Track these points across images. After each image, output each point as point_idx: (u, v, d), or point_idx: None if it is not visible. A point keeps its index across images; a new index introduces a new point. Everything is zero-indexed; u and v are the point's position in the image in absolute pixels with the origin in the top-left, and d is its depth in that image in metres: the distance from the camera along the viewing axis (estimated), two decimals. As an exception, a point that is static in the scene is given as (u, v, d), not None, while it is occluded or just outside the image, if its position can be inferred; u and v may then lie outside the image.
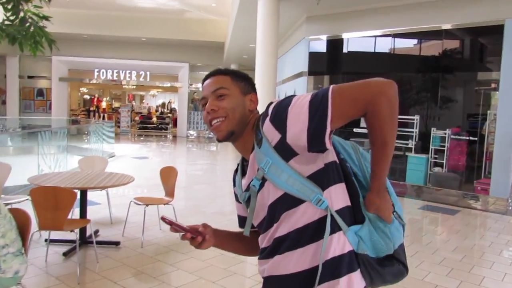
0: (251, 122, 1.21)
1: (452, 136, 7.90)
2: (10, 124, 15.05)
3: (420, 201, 7.38)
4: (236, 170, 1.34)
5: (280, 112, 1.07)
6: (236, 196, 1.35)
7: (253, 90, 1.26)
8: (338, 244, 1.07)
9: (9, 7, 4.00)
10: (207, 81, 1.22)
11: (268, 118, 1.09)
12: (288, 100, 1.07)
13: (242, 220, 1.35)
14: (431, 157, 8.06)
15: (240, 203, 1.32)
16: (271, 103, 1.13)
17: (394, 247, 1.13)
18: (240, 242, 1.36)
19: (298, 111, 1.03)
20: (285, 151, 1.07)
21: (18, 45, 3.87)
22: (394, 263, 1.15)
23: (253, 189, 1.16)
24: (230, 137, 1.19)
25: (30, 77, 17.90)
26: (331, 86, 1.02)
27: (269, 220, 1.15)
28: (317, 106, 1.00)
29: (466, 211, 6.71)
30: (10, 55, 16.48)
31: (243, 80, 1.23)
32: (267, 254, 1.18)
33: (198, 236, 1.20)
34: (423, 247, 4.64)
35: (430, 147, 8.06)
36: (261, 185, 1.14)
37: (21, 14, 4.11)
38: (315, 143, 1.03)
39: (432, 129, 8.06)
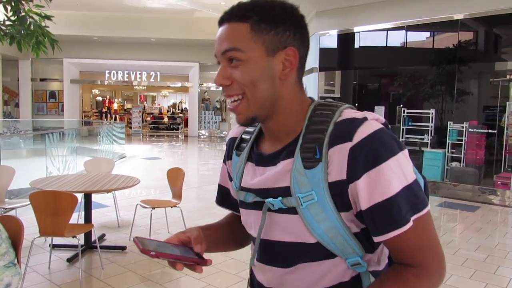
0: (288, 100, 0.82)
1: (469, 130, 7.61)
2: (22, 126, 15.16)
3: (438, 198, 7.13)
4: (233, 142, 0.97)
5: (374, 150, 0.72)
6: (225, 167, 1.02)
7: (294, 40, 0.80)
8: None
9: (10, 7, 3.92)
10: (220, 29, 0.81)
11: (350, 144, 0.74)
12: (393, 146, 0.74)
13: (225, 195, 1.04)
14: (448, 151, 7.79)
15: (231, 180, 0.99)
16: (363, 120, 0.76)
17: None
18: (229, 236, 1.03)
19: (393, 177, 0.72)
20: (341, 197, 0.76)
21: (16, 44, 3.77)
22: None
23: (267, 206, 0.83)
24: (252, 123, 0.84)
25: (42, 79, 18.02)
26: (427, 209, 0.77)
27: (274, 258, 0.86)
28: (405, 202, 0.73)
29: (486, 207, 6.44)
30: (23, 58, 16.59)
31: (273, 26, 0.78)
32: None
33: (196, 263, 0.82)
34: (443, 247, 4.39)
35: (447, 141, 7.79)
36: (282, 210, 0.81)
37: (22, 13, 4.02)
38: (366, 223, 0.77)
39: (449, 122, 7.79)
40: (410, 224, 0.73)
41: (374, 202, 0.72)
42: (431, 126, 7.99)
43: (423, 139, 8.11)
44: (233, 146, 0.96)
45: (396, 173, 0.72)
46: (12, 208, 4.00)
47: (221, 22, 0.81)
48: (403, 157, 0.74)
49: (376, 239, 0.76)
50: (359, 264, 0.80)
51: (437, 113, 8.28)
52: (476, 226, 5.39)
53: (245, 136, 0.95)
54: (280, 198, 0.80)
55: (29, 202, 3.14)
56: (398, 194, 0.72)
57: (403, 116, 8.31)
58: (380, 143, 0.73)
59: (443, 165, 7.76)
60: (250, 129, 0.95)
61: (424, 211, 0.75)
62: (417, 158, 8.14)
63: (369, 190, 0.72)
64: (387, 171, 0.72)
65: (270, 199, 0.82)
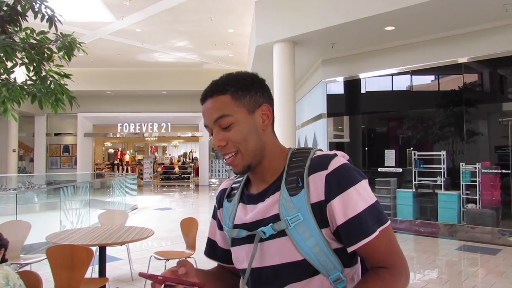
0: (270, 146, 1.01)
1: (483, 170, 7.54)
2: (37, 181, 15.35)
3: (456, 241, 6.95)
4: (224, 192, 1.13)
5: (344, 177, 0.93)
6: (215, 216, 1.15)
7: (264, 98, 1.01)
8: None
9: (32, 67, 4.13)
10: (205, 104, 1.01)
11: (326, 172, 0.93)
12: (357, 175, 0.95)
13: (213, 247, 1.16)
14: (462, 193, 7.67)
15: (221, 229, 1.12)
16: (333, 155, 0.97)
17: None
18: (218, 281, 1.12)
19: (359, 198, 0.92)
20: (321, 215, 0.93)
21: (38, 102, 3.94)
22: None
23: (259, 235, 0.96)
24: (248, 170, 1.00)
25: (56, 134, 18.49)
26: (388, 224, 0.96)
27: (266, 283, 0.98)
28: (370, 217, 0.92)
29: (508, 250, 6.24)
30: (38, 114, 17.15)
31: (247, 91, 0.98)
32: None
33: (194, 285, 0.89)
34: (466, 294, 4.25)
35: (461, 182, 7.70)
36: (272, 236, 0.95)
37: (43, 73, 4.23)
38: (340, 237, 0.94)
39: (461, 164, 7.74)
40: (377, 233, 0.91)
41: (347, 217, 0.90)
42: (443, 168, 7.94)
43: (436, 181, 8.03)
44: (224, 196, 1.11)
45: (361, 195, 0.92)
46: (27, 264, 3.99)
47: (205, 98, 1.01)
48: (365, 184, 0.95)
49: (351, 248, 0.92)
50: (339, 279, 0.94)
51: (448, 154, 8.25)
52: (499, 270, 5.20)
53: (235, 185, 1.10)
54: (270, 224, 0.95)
55: (44, 257, 3.14)
56: (364, 211, 0.91)
57: (414, 158, 8.29)
58: (348, 173, 0.94)
59: (458, 207, 7.61)
60: (239, 179, 1.11)
61: (387, 224, 0.94)
62: (431, 201, 8.02)
63: (343, 208, 0.91)
64: (355, 194, 0.92)
65: (262, 228, 0.96)
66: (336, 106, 9.98)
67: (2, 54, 3.84)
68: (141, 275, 0.89)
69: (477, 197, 7.52)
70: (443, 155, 7.98)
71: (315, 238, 0.92)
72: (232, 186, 1.11)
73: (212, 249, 1.16)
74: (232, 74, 1.01)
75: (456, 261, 5.89)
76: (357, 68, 9.26)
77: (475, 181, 7.54)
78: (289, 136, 7.97)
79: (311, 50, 8.89)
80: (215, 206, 1.16)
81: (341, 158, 0.97)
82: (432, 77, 9.13)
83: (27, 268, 4.04)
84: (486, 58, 7.44)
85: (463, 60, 7.73)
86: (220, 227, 1.13)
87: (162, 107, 18.25)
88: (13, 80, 4.06)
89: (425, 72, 8.72)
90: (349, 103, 10.06)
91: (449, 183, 8.00)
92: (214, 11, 9.89)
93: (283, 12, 8.19)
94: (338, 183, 0.91)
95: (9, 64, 4.09)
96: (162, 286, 0.88)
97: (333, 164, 0.94)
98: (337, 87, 9.99)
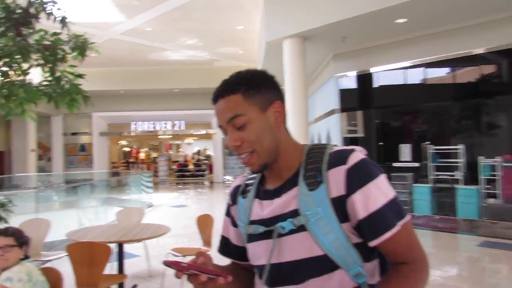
0: (284, 143, 1.00)
1: (504, 164, 7.37)
2: (55, 180, 15.61)
3: (477, 237, 6.82)
4: (238, 189, 1.12)
5: (364, 171, 0.93)
6: (229, 213, 1.14)
7: (275, 95, 1.00)
8: None
9: (47, 68, 4.19)
10: (218, 104, 1.00)
11: (345, 166, 0.93)
12: (376, 170, 0.96)
13: (226, 245, 1.15)
14: (482, 187, 7.52)
15: (235, 226, 1.12)
16: (352, 150, 0.97)
17: None
18: (236, 280, 1.07)
19: (380, 192, 0.93)
20: (341, 210, 0.93)
21: (54, 102, 4.00)
22: None
23: (278, 230, 0.95)
24: (265, 169, 1.00)
25: (73, 133, 18.77)
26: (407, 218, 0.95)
27: (286, 278, 0.96)
28: (391, 212, 0.93)
29: (530, 245, 6.10)
30: (54, 114, 17.42)
31: (258, 89, 0.98)
32: None
33: (217, 275, 0.88)
34: (487, 289, 4.18)
35: (480, 177, 7.54)
36: (292, 231, 0.95)
37: (58, 73, 4.29)
38: (362, 232, 0.94)
39: (480, 157, 7.58)
40: (398, 227, 0.91)
41: (368, 212, 0.90)
42: (462, 162, 7.78)
43: (453, 175, 7.88)
44: (238, 192, 1.11)
45: (381, 190, 0.93)
46: (48, 260, 4.06)
47: (216, 98, 1.00)
48: (384, 178, 0.96)
49: (372, 243, 0.92)
50: (360, 274, 0.93)
51: (466, 148, 8.10)
52: (521, 265, 5.10)
53: (249, 182, 1.10)
54: (290, 219, 0.94)
55: (65, 254, 3.19)
56: (384, 206, 0.91)
57: (430, 153, 8.16)
58: (368, 167, 0.94)
59: (478, 202, 7.46)
60: (252, 175, 1.09)
61: (407, 218, 0.94)
62: (450, 196, 7.88)
63: (364, 202, 0.90)
64: (375, 188, 0.92)
65: (280, 223, 0.95)
66: (349, 101, 9.88)
67: (19, 56, 3.89)
68: (166, 263, 0.88)
69: (499, 191, 7.36)
70: (461, 149, 7.83)
71: (335, 232, 0.92)
72: (246, 182, 1.11)
73: (225, 247, 1.16)
74: (242, 73, 1.01)
75: (478, 257, 5.79)
76: (369, 62, 9.14)
77: (495, 175, 7.38)
78: (302, 132, 7.93)
79: (321, 45, 8.82)
80: (228, 204, 1.16)
81: (359, 153, 0.97)
82: (447, 70, 8.96)
83: (48, 264, 4.12)
84: (503, 48, 7.26)
85: (479, 51, 7.57)
86: (234, 224, 1.12)
87: (175, 105, 18.34)
88: (29, 81, 4.13)
89: (439, 65, 8.56)
90: (362, 98, 9.95)
91: (468, 178, 7.84)
92: (223, 8, 9.88)
93: (292, 7, 8.13)
94: (358, 178, 0.92)
95: (25, 66, 4.15)
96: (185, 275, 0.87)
97: (353, 159, 0.94)
98: (349, 82, 9.90)
